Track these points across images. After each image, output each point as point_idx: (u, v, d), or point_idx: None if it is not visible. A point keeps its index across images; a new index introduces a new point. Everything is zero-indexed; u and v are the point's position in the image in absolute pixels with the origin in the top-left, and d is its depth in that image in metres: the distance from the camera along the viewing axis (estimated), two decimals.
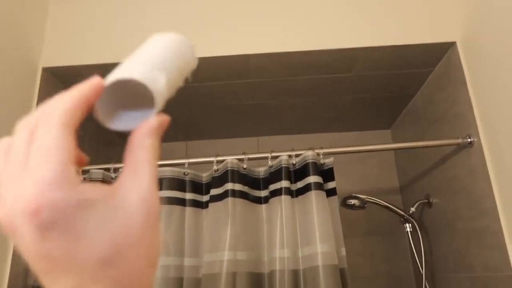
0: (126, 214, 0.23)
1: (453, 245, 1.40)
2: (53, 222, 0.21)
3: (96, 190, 0.23)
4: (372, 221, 1.87)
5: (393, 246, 1.84)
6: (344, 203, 1.54)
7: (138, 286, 0.23)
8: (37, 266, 0.22)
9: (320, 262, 1.06)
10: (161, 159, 1.25)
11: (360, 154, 1.96)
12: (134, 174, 0.25)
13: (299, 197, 1.18)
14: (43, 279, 0.22)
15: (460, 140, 1.26)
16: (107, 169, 1.21)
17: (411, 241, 1.60)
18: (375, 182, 1.94)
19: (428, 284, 1.51)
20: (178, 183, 1.19)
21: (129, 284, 0.23)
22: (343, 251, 1.15)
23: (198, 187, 1.23)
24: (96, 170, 1.19)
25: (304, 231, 1.13)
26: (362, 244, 1.84)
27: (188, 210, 1.18)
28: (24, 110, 1.24)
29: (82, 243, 0.21)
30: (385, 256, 1.83)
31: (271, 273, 1.10)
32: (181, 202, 1.18)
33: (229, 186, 1.16)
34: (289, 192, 1.16)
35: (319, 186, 1.16)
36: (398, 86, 1.64)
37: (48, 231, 0.21)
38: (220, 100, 1.67)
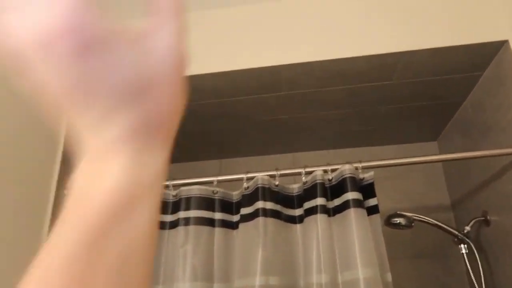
0: (155, 57, 0.23)
1: None
2: (90, 42, 0.21)
3: (121, 28, 0.23)
4: (420, 241, 1.71)
5: (446, 269, 1.67)
6: (388, 222, 1.41)
7: (161, 127, 0.24)
8: (64, 99, 0.22)
9: None
10: (190, 177, 1.21)
11: (404, 169, 1.82)
12: (160, 24, 0.24)
13: (337, 215, 1.08)
14: (70, 113, 0.22)
15: None
16: None
17: (468, 264, 1.43)
18: (422, 198, 1.78)
19: None
20: (207, 203, 1.13)
21: (154, 122, 0.23)
22: (389, 276, 1.02)
23: (228, 206, 1.17)
24: None
25: (343, 253, 1.02)
26: (410, 267, 1.68)
27: (218, 230, 1.11)
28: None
29: (116, 70, 0.21)
30: (437, 280, 1.65)
31: None
32: (210, 222, 1.12)
33: (259, 204, 1.08)
34: (325, 210, 1.07)
35: (358, 203, 1.06)
36: (443, 93, 1.50)
37: (85, 52, 0.21)
38: (252, 115, 1.62)
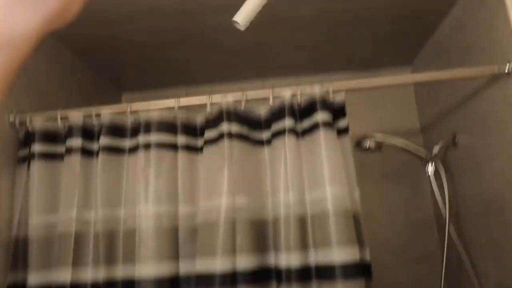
0: None
1: (483, 186, 1.25)
2: None
3: None
4: (389, 164, 1.73)
5: (412, 190, 1.71)
6: (358, 145, 1.39)
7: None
8: None
9: (330, 206, 0.94)
10: (152, 105, 1.12)
11: (375, 94, 1.78)
12: None
13: (306, 137, 1.04)
14: None
15: (496, 68, 1.08)
16: (89, 115, 1.08)
17: (433, 184, 1.46)
18: (392, 123, 1.77)
19: (453, 228, 1.39)
20: (168, 126, 1.06)
21: None
22: (357, 194, 1.01)
23: (191, 129, 1.10)
24: (75, 115, 1.07)
25: (311, 173, 1.00)
26: (378, 188, 1.71)
27: (181, 155, 1.05)
28: None
29: None
30: (403, 201, 1.70)
31: (275, 220, 0.99)
32: (173, 147, 1.06)
33: (224, 127, 1.02)
34: (294, 132, 1.02)
35: (328, 125, 1.01)
36: (420, 14, 1.42)
37: None
38: (218, 39, 1.49)
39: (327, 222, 0.94)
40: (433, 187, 1.47)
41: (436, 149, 1.44)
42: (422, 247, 1.66)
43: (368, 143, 1.39)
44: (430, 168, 1.48)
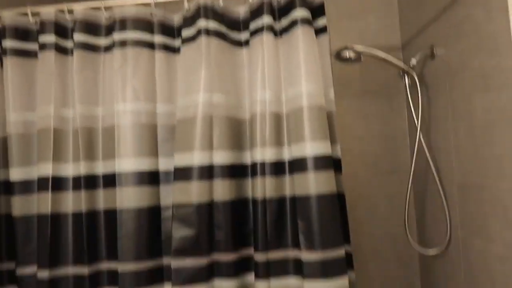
0: None
1: (454, 94, 1.29)
2: None
3: None
4: (367, 79, 1.75)
5: (388, 105, 1.76)
6: (338, 56, 1.39)
7: None
8: None
9: (304, 103, 0.96)
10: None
11: (358, 8, 1.75)
12: None
13: (284, 36, 1.04)
14: None
15: None
16: (61, 10, 1.04)
17: (409, 96, 1.50)
18: (374, 38, 1.76)
19: (423, 139, 1.45)
20: (144, 24, 1.04)
21: None
22: (331, 93, 1.04)
23: (168, 29, 1.08)
24: (47, 10, 1.03)
25: (288, 71, 1.01)
26: (356, 104, 1.75)
27: (158, 54, 1.04)
28: None
29: None
30: (379, 115, 1.75)
31: (252, 118, 1.01)
32: (149, 46, 1.04)
33: (202, 23, 1.00)
34: (272, 30, 1.01)
35: (306, 22, 1.00)
36: None
37: None
38: None
39: (301, 117, 0.97)
40: (409, 99, 1.51)
41: (414, 61, 1.46)
42: (394, 160, 1.74)
43: (347, 53, 1.39)
44: (407, 80, 1.51)
